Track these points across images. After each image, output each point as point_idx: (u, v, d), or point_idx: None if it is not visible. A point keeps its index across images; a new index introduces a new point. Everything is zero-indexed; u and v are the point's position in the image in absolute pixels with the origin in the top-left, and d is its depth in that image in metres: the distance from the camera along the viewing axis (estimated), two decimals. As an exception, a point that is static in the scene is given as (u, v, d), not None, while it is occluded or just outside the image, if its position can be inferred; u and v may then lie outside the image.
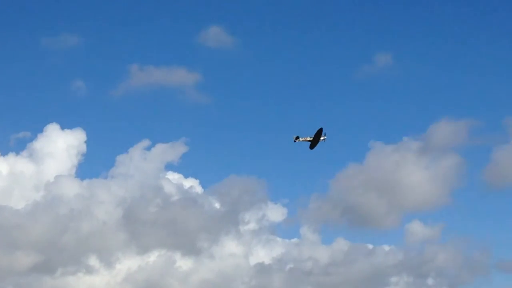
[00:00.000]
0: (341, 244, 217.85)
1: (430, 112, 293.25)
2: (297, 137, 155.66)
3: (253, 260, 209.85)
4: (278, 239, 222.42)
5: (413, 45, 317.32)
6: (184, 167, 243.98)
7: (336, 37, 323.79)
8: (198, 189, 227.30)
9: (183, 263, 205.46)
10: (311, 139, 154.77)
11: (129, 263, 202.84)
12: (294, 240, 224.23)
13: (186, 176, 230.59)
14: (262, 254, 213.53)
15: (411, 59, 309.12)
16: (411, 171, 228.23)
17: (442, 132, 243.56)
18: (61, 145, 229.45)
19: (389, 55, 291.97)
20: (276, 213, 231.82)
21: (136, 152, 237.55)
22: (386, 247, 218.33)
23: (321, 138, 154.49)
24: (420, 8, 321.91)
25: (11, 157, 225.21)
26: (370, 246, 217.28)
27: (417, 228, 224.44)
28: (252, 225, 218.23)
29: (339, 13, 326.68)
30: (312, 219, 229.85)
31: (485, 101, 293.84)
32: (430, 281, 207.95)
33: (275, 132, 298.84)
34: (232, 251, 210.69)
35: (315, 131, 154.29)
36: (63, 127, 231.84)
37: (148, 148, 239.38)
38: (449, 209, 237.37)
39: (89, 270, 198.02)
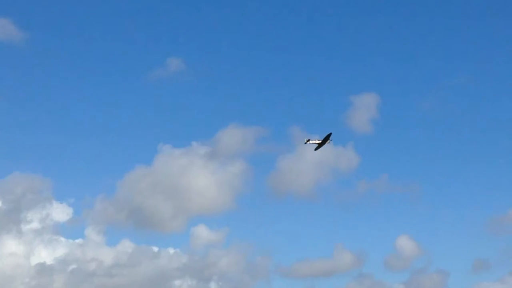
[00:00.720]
0: (126, 246, 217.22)
1: (219, 117, 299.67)
2: (308, 140, 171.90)
3: (34, 260, 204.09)
4: (62, 239, 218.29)
5: (204, 51, 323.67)
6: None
7: (130, 39, 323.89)
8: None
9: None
10: (320, 141, 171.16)
11: None
12: (79, 240, 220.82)
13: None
14: (44, 254, 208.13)
15: (202, 65, 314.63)
16: (198, 176, 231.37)
17: (229, 138, 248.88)
18: None
19: (180, 60, 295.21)
20: (61, 212, 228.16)
21: None
22: (171, 250, 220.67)
23: (328, 141, 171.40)
24: (209, 14, 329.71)
25: None
26: (155, 249, 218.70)
27: (202, 232, 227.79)
28: (34, 224, 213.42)
29: (132, 15, 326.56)
30: (98, 219, 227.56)
31: (272, 109, 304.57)
32: (213, 284, 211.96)
33: (62, 130, 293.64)
34: (12, 251, 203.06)
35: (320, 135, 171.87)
36: None
37: None
38: (234, 214, 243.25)
39: None
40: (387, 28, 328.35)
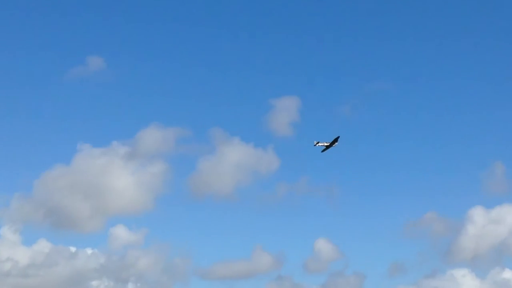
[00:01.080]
0: (43, 246, 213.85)
1: (140, 117, 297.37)
2: (318, 142, 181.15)
3: None
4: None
5: (125, 50, 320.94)
6: None
7: (49, 37, 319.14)
8: None
9: None
10: (328, 144, 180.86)
11: None
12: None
13: None
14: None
15: (123, 64, 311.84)
16: (118, 176, 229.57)
17: (150, 138, 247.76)
18: None
19: (101, 58, 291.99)
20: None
21: None
22: (89, 250, 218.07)
23: (335, 144, 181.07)
24: (130, 13, 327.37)
25: None
26: (73, 249, 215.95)
27: (121, 233, 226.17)
28: None
29: (52, 11, 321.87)
30: (14, 218, 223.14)
31: (193, 110, 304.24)
32: (130, 285, 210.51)
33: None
34: None
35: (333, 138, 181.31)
36: None
37: None
38: (153, 215, 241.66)
39: None
40: (309, 32, 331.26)
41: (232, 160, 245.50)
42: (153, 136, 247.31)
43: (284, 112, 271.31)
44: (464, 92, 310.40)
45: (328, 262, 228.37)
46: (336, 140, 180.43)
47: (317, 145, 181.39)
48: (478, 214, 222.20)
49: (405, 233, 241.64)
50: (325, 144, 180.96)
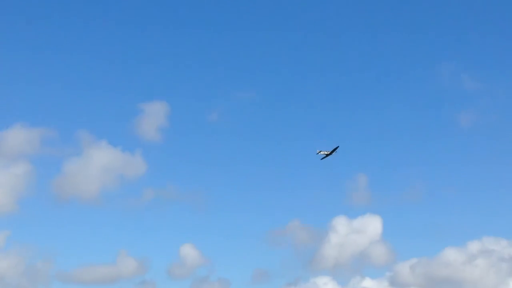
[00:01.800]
0: None
1: (3, 117, 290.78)
2: (320, 151, 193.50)
3: None
4: None
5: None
6: None
7: None
8: None
9: None
10: (328, 152, 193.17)
11: None
12: None
13: None
14: None
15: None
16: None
17: (14, 138, 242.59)
18: None
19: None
20: None
21: None
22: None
23: (333, 152, 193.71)
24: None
25: None
26: None
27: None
28: None
29: None
30: None
31: (60, 111, 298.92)
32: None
33: None
34: None
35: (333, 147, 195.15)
36: None
37: None
38: (16, 217, 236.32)
39: None
40: (179, 38, 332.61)
41: (98, 164, 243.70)
42: (17, 137, 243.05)
43: (153, 117, 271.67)
44: (327, 100, 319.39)
45: (193, 268, 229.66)
46: (335, 149, 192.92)
47: (319, 153, 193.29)
48: (341, 224, 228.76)
49: (270, 240, 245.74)
50: (326, 152, 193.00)
